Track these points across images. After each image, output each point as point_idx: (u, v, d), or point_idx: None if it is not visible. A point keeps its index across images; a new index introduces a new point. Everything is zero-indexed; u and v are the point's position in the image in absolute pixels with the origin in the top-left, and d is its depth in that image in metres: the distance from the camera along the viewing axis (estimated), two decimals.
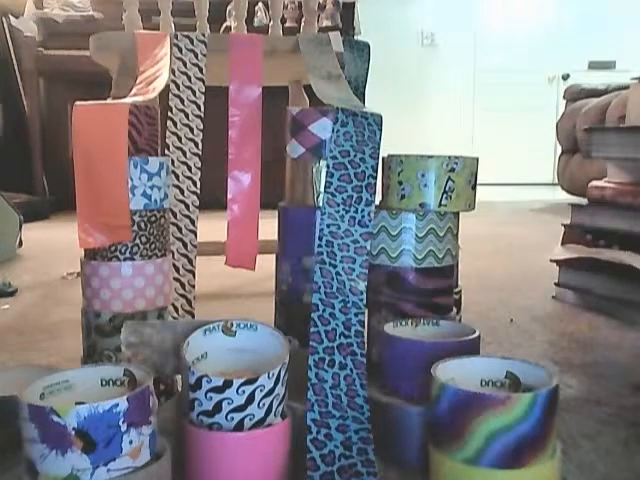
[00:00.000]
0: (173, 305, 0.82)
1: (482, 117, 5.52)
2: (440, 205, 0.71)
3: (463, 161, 0.71)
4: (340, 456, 0.57)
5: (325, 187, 0.70)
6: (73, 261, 0.83)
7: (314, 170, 0.78)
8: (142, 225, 0.70)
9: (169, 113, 0.89)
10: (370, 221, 0.69)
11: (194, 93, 0.91)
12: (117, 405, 0.46)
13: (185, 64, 0.93)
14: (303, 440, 0.57)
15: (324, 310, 0.64)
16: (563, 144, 3.63)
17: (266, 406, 0.53)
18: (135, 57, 0.92)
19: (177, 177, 0.87)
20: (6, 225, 1.94)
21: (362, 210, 0.69)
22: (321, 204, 0.70)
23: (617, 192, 1.28)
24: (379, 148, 0.72)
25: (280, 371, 0.54)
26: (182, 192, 0.87)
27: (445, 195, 0.71)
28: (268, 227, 0.97)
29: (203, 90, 0.91)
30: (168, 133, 0.88)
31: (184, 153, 0.88)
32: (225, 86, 0.93)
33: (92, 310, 0.70)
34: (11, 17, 3.13)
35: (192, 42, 0.95)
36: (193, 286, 0.86)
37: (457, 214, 0.74)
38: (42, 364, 0.87)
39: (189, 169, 0.88)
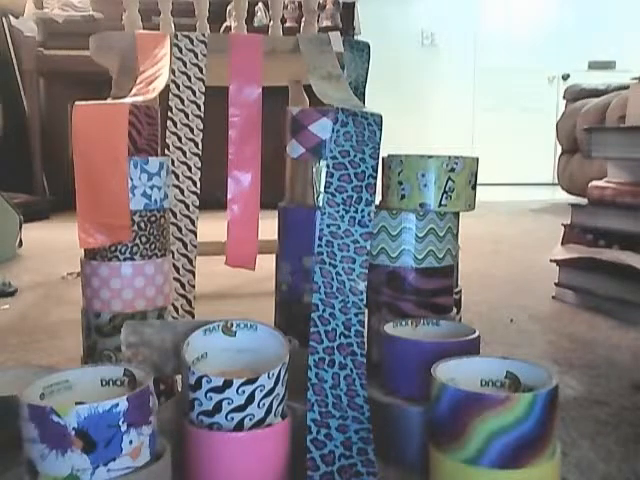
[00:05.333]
0: (173, 305, 0.82)
1: (482, 117, 5.52)
2: (440, 205, 0.71)
3: (463, 161, 0.71)
4: (340, 456, 0.57)
5: (325, 187, 0.70)
6: (73, 261, 0.83)
7: (314, 170, 0.78)
8: (142, 225, 0.70)
9: (169, 113, 0.89)
10: (370, 221, 0.69)
11: (194, 93, 0.91)
12: (117, 405, 0.46)
13: (185, 64, 0.93)
14: (303, 440, 0.57)
15: (324, 310, 0.64)
16: (563, 144, 3.63)
17: (266, 406, 0.53)
18: (135, 57, 0.92)
19: (177, 177, 0.87)
20: (6, 225, 1.94)
21: (362, 210, 0.69)
22: (321, 204, 0.70)
23: (617, 192, 1.28)
24: (379, 148, 0.72)
25: (280, 371, 0.54)
26: (182, 192, 0.87)
27: (445, 195, 0.71)
28: (268, 227, 0.97)
29: (203, 90, 0.91)
30: (168, 133, 0.88)
31: (184, 153, 0.88)
32: (225, 86, 0.93)
33: (92, 310, 0.70)
34: (11, 17, 3.13)
35: (192, 42, 0.95)
36: (193, 286, 0.86)
37: (457, 214, 0.74)
38: (42, 364, 0.87)
39: (189, 169, 0.88)
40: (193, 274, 0.86)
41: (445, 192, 0.71)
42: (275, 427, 0.53)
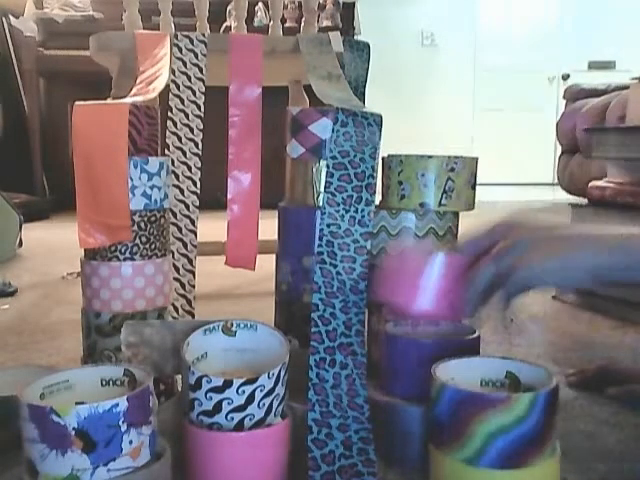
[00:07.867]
0: (173, 305, 0.82)
1: (482, 117, 5.51)
2: (440, 205, 0.71)
3: (463, 161, 0.71)
4: (340, 456, 0.57)
5: (325, 187, 0.70)
6: (73, 261, 0.83)
7: (314, 170, 0.78)
8: (142, 225, 0.70)
9: (169, 113, 0.89)
10: (370, 221, 0.69)
11: (194, 93, 0.91)
12: (117, 405, 0.46)
13: (185, 64, 0.93)
14: (303, 440, 0.57)
15: (325, 310, 0.64)
16: (563, 144, 3.63)
17: (266, 406, 0.53)
18: (135, 57, 0.92)
19: (177, 177, 0.87)
20: (6, 225, 1.94)
21: (362, 210, 0.69)
22: (321, 204, 0.70)
23: (617, 192, 1.27)
24: (379, 148, 0.72)
25: (280, 371, 0.54)
26: (182, 192, 0.87)
27: (445, 195, 0.71)
28: (268, 227, 0.97)
29: (203, 90, 0.91)
30: (168, 133, 0.88)
31: (184, 153, 0.88)
32: (225, 86, 0.93)
33: (92, 310, 0.70)
34: (11, 17, 3.13)
35: (192, 42, 0.95)
36: (193, 286, 0.86)
37: (457, 214, 0.74)
38: (42, 364, 0.87)
39: (189, 169, 0.88)
40: (193, 274, 0.86)
41: (445, 192, 0.71)
42: (275, 427, 0.53)
